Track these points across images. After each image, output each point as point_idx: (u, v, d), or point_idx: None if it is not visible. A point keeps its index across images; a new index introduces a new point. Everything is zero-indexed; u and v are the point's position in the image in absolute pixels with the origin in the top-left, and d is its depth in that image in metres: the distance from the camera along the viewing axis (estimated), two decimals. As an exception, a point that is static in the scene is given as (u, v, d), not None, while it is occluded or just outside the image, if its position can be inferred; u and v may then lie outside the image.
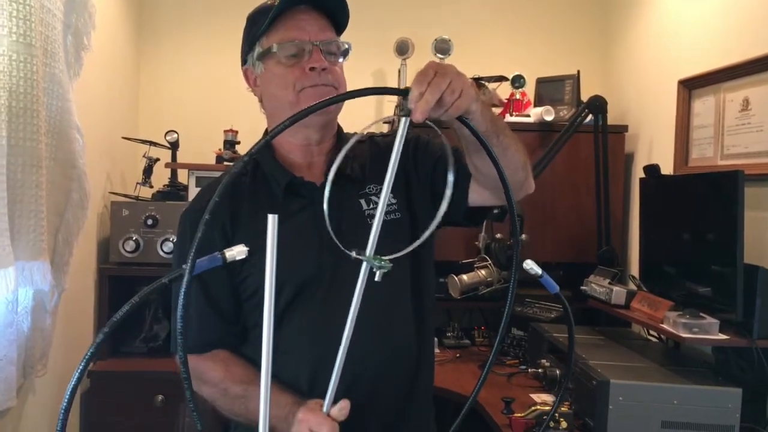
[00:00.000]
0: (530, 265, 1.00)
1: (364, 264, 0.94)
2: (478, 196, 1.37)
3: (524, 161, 1.29)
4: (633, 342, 2.28)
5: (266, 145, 0.89)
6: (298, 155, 1.40)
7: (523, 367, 2.45)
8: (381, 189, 1.36)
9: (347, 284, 1.31)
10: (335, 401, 1.12)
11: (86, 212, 1.98)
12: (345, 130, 1.47)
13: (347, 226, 1.33)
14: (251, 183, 1.38)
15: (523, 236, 2.56)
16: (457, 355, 2.68)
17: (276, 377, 1.24)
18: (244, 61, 1.41)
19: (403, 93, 1.00)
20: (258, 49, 1.35)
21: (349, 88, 1.39)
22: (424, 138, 1.47)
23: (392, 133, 1.50)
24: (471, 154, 1.25)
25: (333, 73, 1.32)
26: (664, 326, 1.96)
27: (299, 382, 1.28)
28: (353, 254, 0.96)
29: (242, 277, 1.33)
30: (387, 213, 1.36)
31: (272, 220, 0.76)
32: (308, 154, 1.40)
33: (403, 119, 0.99)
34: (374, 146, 1.48)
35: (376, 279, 0.97)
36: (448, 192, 0.96)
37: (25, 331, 1.76)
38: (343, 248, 0.97)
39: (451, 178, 0.98)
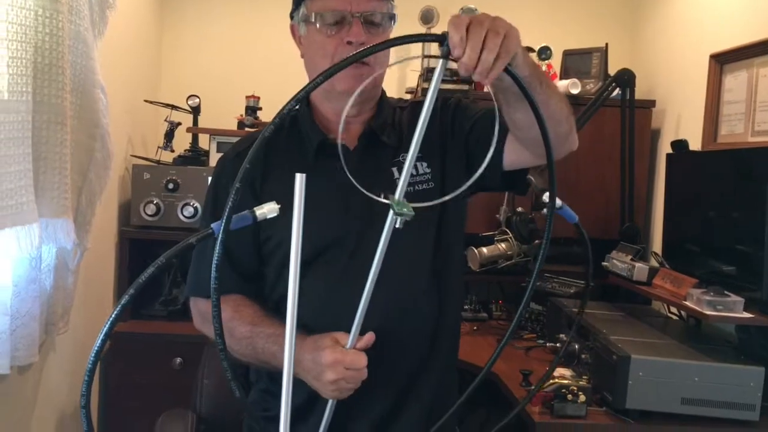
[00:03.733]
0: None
1: (390, 212, 0.90)
2: (516, 156, 1.32)
3: (568, 113, 1.22)
4: (654, 319, 2.27)
5: (297, 103, 0.85)
6: (334, 118, 1.38)
7: (541, 341, 2.44)
8: (415, 158, 1.36)
9: (371, 250, 1.30)
10: None
11: (109, 172, 1.98)
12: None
13: (375, 192, 1.32)
14: (286, 140, 1.37)
15: (544, 210, 2.54)
16: (475, 327, 2.67)
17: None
18: (291, 17, 1.39)
19: (440, 39, 0.92)
20: (302, 10, 1.32)
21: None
22: (463, 102, 1.43)
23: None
24: (510, 108, 1.17)
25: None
26: (688, 303, 1.94)
27: None
28: (381, 197, 0.93)
29: (266, 235, 1.32)
30: (419, 183, 1.35)
31: (300, 179, 0.73)
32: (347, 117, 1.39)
33: (440, 62, 0.92)
34: (413, 115, 1.44)
35: (397, 225, 0.93)
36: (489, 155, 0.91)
37: (48, 288, 1.77)
38: (369, 194, 0.94)
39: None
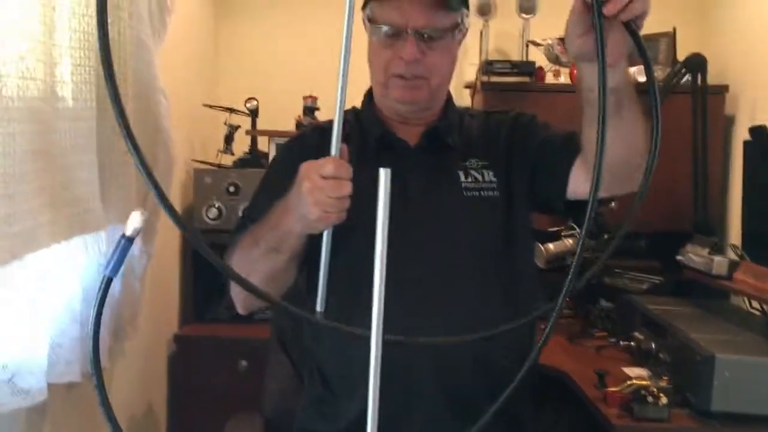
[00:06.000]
0: None
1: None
2: (576, 186, 1.29)
3: (645, 149, 1.15)
4: (734, 315, 2.16)
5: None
6: (391, 116, 1.39)
7: (613, 339, 2.35)
8: (482, 165, 1.36)
9: (428, 247, 1.28)
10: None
11: (172, 177, 1.99)
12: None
13: (438, 190, 1.33)
14: (348, 132, 1.36)
15: (613, 204, 2.44)
16: (542, 326, 2.59)
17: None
18: (363, 8, 1.36)
19: None
20: (368, 11, 1.31)
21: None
22: (528, 116, 1.43)
23: (508, 111, 1.46)
24: (591, 126, 1.14)
25: (427, 61, 1.28)
26: (774, 298, 1.83)
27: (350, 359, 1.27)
28: None
29: None
30: (484, 189, 1.34)
31: (384, 174, 0.68)
32: (407, 119, 1.39)
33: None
34: (485, 123, 1.44)
35: None
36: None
37: (116, 294, 1.79)
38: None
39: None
